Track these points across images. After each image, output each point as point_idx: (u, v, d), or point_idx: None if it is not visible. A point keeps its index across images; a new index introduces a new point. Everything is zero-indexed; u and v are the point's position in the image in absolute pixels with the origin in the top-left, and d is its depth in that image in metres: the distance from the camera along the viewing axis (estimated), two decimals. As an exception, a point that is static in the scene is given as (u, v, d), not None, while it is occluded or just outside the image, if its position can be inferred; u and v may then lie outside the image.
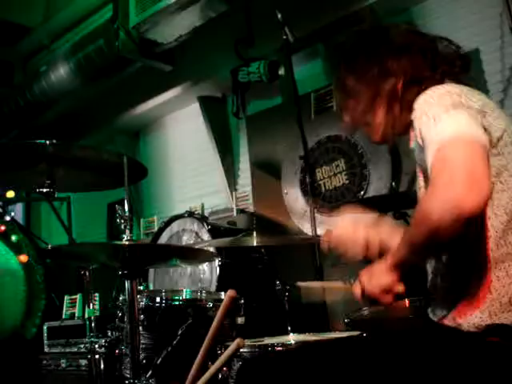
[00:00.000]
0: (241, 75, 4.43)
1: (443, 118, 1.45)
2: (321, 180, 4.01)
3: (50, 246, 2.00)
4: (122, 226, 1.69)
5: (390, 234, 1.84)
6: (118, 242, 1.68)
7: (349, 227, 1.87)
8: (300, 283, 2.13)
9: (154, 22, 4.23)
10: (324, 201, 3.97)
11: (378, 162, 3.74)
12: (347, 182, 3.91)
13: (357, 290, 1.64)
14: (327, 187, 3.99)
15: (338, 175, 3.94)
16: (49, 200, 2.03)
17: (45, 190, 2.02)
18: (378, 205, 3.41)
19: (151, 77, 5.08)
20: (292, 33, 3.35)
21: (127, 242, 1.68)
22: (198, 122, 5.15)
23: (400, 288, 1.59)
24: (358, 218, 1.91)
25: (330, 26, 3.97)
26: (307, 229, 3.93)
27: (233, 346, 1.26)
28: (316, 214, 3.46)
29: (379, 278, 1.58)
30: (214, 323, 1.33)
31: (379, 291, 1.58)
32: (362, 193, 3.80)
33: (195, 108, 5.16)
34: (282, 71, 4.32)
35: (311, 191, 3.30)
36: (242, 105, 4.65)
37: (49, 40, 5.97)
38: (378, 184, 3.73)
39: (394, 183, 3.66)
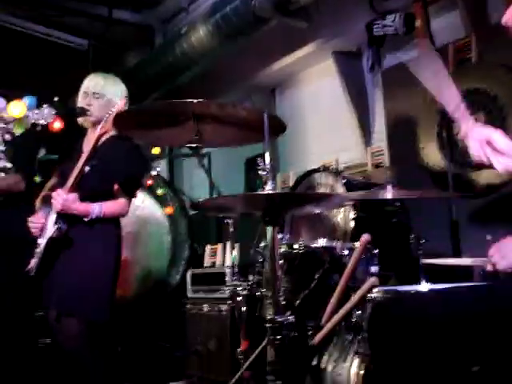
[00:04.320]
0: (376, 29, 4.39)
1: None
2: (459, 134, 3.92)
3: (200, 200, 2.15)
4: (264, 178, 1.84)
5: None
6: (263, 192, 1.82)
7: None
8: (425, 260, 2.12)
9: (289, -20, 4.28)
10: (462, 155, 3.89)
11: (519, 115, 3.59)
12: (486, 135, 3.79)
13: (488, 268, 1.63)
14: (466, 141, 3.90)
15: (477, 129, 3.83)
16: (198, 155, 2.20)
17: (193, 145, 2.20)
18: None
19: (286, 34, 5.14)
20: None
21: (270, 191, 1.82)
22: (332, 77, 5.17)
23: None
24: None
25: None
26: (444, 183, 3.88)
27: (368, 283, 1.35)
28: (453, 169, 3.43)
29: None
30: (350, 264, 1.42)
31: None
32: (503, 147, 3.67)
33: (330, 63, 5.16)
34: (418, 23, 4.23)
35: (449, 145, 3.26)
36: (377, 59, 4.61)
37: (186, 3, 6.20)
38: (519, 137, 3.60)
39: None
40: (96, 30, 6.41)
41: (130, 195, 3.00)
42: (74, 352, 2.86)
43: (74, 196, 2.79)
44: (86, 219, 2.84)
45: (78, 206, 2.82)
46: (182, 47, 5.56)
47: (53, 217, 2.84)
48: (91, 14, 6.25)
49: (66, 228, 2.83)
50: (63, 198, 2.77)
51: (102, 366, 2.85)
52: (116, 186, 2.93)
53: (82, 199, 2.84)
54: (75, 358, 2.87)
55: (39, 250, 2.84)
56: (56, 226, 2.80)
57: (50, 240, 2.81)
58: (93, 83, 3.07)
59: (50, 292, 2.85)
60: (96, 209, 2.84)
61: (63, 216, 2.82)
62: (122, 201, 2.94)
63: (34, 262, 2.84)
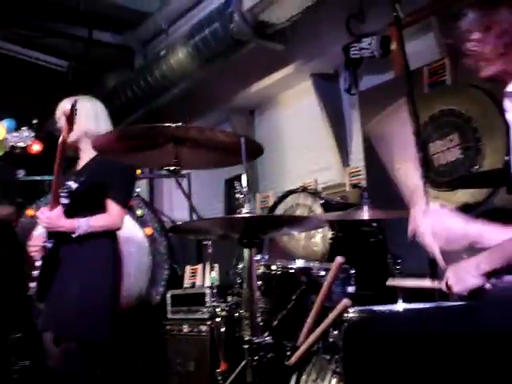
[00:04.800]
0: (353, 51, 4.47)
1: None
2: (434, 155, 3.99)
3: (178, 223, 2.19)
4: (241, 200, 1.88)
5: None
6: (240, 215, 1.86)
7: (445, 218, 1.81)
8: (390, 282, 2.14)
9: (267, 4, 4.35)
10: (437, 175, 3.96)
11: (492, 136, 3.67)
12: (461, 156, 3.86)
13: (444, 289, 1.64)
14: (440, 162, 3.97)
15: (452, 149, 3.90)
16: (176, 177, 2.23)
17: (172, 168, 2.23)
18: (492, 179, 3.37)
19: (265, 57, 5.22)
20: (402, 8, 3.36)
21: (247, 214, 1.85)
22: (310, 98, 5.25)
23: (488, 286, 1.58)
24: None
25: (443, -3, 3.92)
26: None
27: (340, 305, 1.38)
28: (429, 189, 3.47)
29: (468, 281, 1.58)
30: (324, 287, 1.46)
31: (467, 293, 1.59)
32: (477, 167, 3.75)
33: (308, 85, 5.24)
34: (393, 46, 4.32)
35: (423, 166, 3.32)
36: (354, 81, 4.70)
37: (166, 25, 6.26)
38: (492, 158, 3.67)
39: (509, 157, 3.58)
40: (76, 52, 6.43)
41: (122, 205, 2.97)
42: (69, 373, 2.84)
43: (57, 212, 2.79)
44: (73, 235, 2.83)
45: (63, 223, 2.82)
46: (161, 69, 5.61)
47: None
48: (71, 35, 6.27)
49: (51, 246, 2.82)
50: (46, 215, 2.78)
51: None
52: (108, 200, 2.92)
53: (75, 216, 2.84)
54: (68, 379, 2.85)
55: (37, 272, 2.83)
56: (42, 245, 2.81)
57: (43, 260, 2.81)
58: (61, 106, 3.12)
59: (46, 314, 2.85)
60: (82, 224, 2.83)
61: (53, 234, 2.82)
62: (113, 213, 2.91)
63: (33, 286, 2.83)
